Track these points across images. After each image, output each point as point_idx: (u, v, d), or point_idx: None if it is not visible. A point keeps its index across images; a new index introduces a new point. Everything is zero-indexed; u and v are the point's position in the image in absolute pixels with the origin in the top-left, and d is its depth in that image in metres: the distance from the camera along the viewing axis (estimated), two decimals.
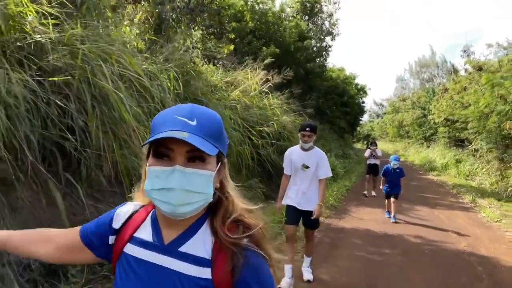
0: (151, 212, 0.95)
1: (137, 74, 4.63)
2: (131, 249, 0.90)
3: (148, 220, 0.93)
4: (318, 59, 16.79)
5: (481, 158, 15.76)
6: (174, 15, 7.19)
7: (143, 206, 0.98)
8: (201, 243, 0.87)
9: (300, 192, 3.72)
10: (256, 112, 8.46)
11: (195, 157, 0.81)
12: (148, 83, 4.80)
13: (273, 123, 8.15)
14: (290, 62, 12.77)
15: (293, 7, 15.84)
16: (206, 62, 8.18)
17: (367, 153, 10.21)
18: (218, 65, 8.63)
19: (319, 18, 18.97)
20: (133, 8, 6.70)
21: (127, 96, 4.34)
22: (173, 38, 7.17)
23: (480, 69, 14.01)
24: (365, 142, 45.05)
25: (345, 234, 5.93)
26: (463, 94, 15.77)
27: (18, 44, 3.74)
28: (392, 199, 7.07)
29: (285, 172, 3.88)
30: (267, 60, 9.34)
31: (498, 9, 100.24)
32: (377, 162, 9.93)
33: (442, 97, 20.82)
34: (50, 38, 3.93)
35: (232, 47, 8.95)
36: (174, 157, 0.81)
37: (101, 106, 4.00)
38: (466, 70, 16.75)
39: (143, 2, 6.83)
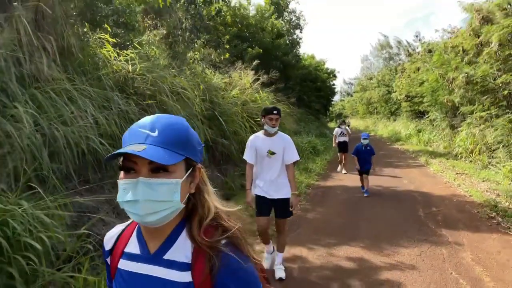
0: (137, 226, 0.98)
1: (183, 88, 6.70)
2: (123, 264, 0.94)
3: (134, 233, 0.97)
4: (292, 52, 19.01)
5: (437, 127, 18.51)
6: (185, 35, 9.17)
7: (132, 221, 1.01)
8: (181, 249, 0.89)
9: (267, 180, 3.54)
10: (251, 106, 10.60)
11: (158, 168, 0.83)
12: (189, 93, 6.88)
13: None
14: (270, 58, 14.92)
15: (266, 9, 17.87)
16: (208, 68, 10.21)
17: (336, 131, 10.87)
18: (216, 70, 10.67)
19: (286, 14, 21.13)
20: (154, 33, 8.65)
21: (175, 105, 6.44)
22: (185, 53, 9.19)
23: (429, 51, 16.64)
24: (337, 121, 48.13)
25: (331, 189, 8.29)
26: (418, 74, 18.44)
27: (113, 76, 5.74)
28: (364, 175, 7.47)
29: (247, 160, 3.64)
30: (255, 62, 11.40)
31: None
32: (346, 139, 10.57)
33: (402, 75, 23.56)
34: (129, 71, 5.97)
35: (227, 55, 10.99)
36: (138, 170, 0.84)
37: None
38: (418, 52, 19.39)
39: (161, 27, 8.80)
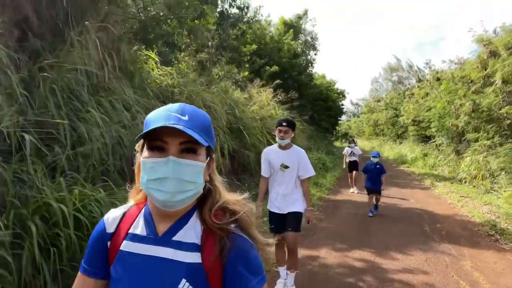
0: (143, 208, 0.99)
1: (213, 102, 7.39)
2: (127, 246, 0.94)
3: (141, 215, 0.98)
4: (306, 71, 19.80)
5: (443, 151, 19.05)
6: (211, 52, 9.93)
7: (134, 205, 1.03)
8: (192, 231, 0.92)
9: (279, 195, 3.49)
10: (269, 121, 11.27)
11: (188, 149, 0.87)
12: (218, 107, 7.55)
13: None
14: (286, 77, 15.66)
15: (282, 30, 18.75)
16: (231, 84, 10.94)
17: (346, 151, 10.79)
18: (237, 86, 11.40)
19: (301, 35, 22.02)
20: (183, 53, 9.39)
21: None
22: (211, 69, 9.93)
23: (438, 79, 17.35)
24: (343, 141, 48.64)
25: (341, 203, 8.85)
26: (426, 100, 19.10)
27: (157, 88, 6.42)
28: (375, 197, 7.29)
29: (262, 173, 3.64)
30: (276, 81, 12.14)
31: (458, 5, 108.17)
32: (357, 159, 10.55)
33: (410, 100, 24.24)
34: (169, 85, 6.66)
35: (247, 73, 11.74)
36: (168, 149, 0.86)
37: None
38: (427, 80, 20.12)
39: (191, 45, 9.56)
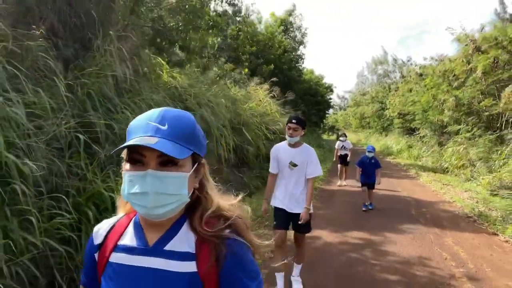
0: (133, 218, 0.97)
1: (216, 101, 7.97)
2: (116, 257, 0.92)
3: (131, 226, 0.95)
4: (296, 67, 20.45)
5: (427, 143, 20.02)
6: (210, 54, 10.48)
7: (124, 215, 1.00)
8: (184, 239, 0.89)
9: (288, 193, 3.44)
10: (266, 117, 11.90)
11: (167, 161, 0.83)
12: (221, 106, 8.14)
13: (279, 123, 11.65)
14: (279, 73, 16.28)
15: (275, 27, 19.31)
16: (230, 83, 11.51)
17: (337, 144, 11.00)
18: (236, 84, 11.97)
19: (291, 31, 22.62)
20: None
21: (209, 116, 7.69)
22: (211, 69, 10.49)
23: (421, 75, 18.25)
24: (330, 134, 49.73)
25: (335, 192, 9.59)
26: (409, 95, 20.02)
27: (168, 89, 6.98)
28: (368, 190, 7.46)
29: (270, 170, 3.59)
30: (272, 79, 12.75)
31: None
32: (348, 152, 10.77)
33: (396, 94, 25.19)
34: (176, 87, 7.21)
35: (246, 70, 12.32)
36: (146, 162, 0.83)
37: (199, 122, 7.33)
38: (410, 76, 21.06)
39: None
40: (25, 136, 3.43)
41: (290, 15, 20.78)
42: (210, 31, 7.98)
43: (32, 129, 3.50)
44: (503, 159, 10.02)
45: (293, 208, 3.43)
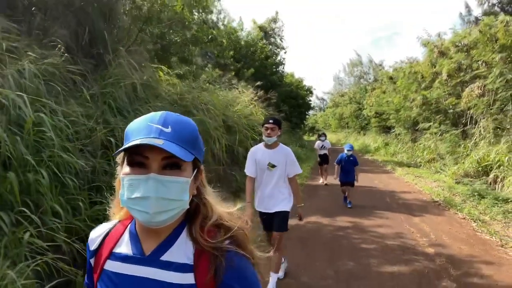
0: (129, 225, 0.94)
1: (210, 104, 8.76)
2: (111, 266, 0.89)
3: (126, 233, 0.92)
4: (277, 72, 21.41)
5: (401, 140, 21.32)
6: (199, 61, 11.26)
7: (119, 221, 0.97)
8: (182, 250, 0.86)
9: (266, 194, 3.48)
10: (251, 118, 12.74)
11: (171, 164, 0.80)
12: (216, 109, 8.92)
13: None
14: (261, 78, 17.17)
15: (256, 34, 20.23)
16: (218, 87, 12.30)
17: (317, 144, 11.29)
18: (223, 88, 12.77)
19: (272, 37, 23.61)
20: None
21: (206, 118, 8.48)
22: (199, 74, 11.26)
23: (391, 78, 19.59)
24: (310, 134, 51.03)
25: (318, 187, 10.51)
26: (383, 96, 21.34)
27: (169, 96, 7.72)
28: (348, 188, 7.55)
29: (248, 173, 3.56)
30: (256, 84, 13.63)
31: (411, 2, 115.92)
32: (327, 152, 11.05)
33: (371, 94, 26.53)
34: (176, 93, 7.97)
35: (233, 73, 13.13)
36: (149, 165, 0.80)
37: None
38: (382, 80, 22.47)
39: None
40: (68, 140, 4.15)
41: (274, 21, 21.75)
42: (209, 43, 8.79)
43: (73, 133, 4.22)
44: (467, 152, 11.20)
45: (271, 208, 3.47)
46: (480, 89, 11.20)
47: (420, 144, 15.89)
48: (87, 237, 1.01)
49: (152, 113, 0.86)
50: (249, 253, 0.89)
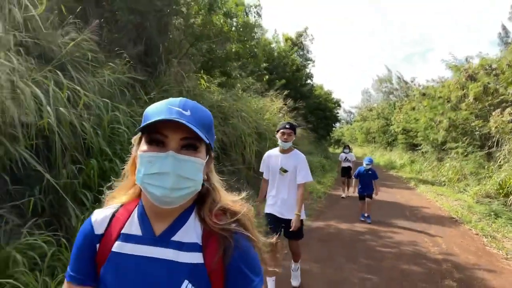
0: (136, 207, 0.95)
1: (245, 111, 9.52)
2: (120, 247, 0.90)
3: (134, 215, 0.94)
4: (307, 85, 22.07)
5: (428, 159, 21.37)
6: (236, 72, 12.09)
7: (121, 206, 0.98)
8: (192, 231, 0.90)
9: (279, 199, 3.48)
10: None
11: (189, 145, 0.85)
12: (250, 116, 9.67)
13: None
14: (291, 88, 17.87)
15: (285, 46, 21.05)
16: (250, 96, 13.07)
17: (340, 156, 11.38)
18: (256, 96, 13.54)
19: (301, 50, 24.35)
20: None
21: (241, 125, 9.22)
22: (235, 83, 12.09)
23: (424, 94, 19.76)
24: (335, 147, 51.06)
25: (340, 196, 11.03)
26: (412, 113, 21.51)
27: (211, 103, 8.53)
28: (366, 200, 7.40)
29: (264, 176, 3.67)
30: (285, 92, 14.34)
31: (446, 17, 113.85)
32: (351, 165, 11.06)
33: (400, 111, 26.65)
34: (217, 100, 8.76)
35: (266, 77, 13.97)
36: (168, 143, 0.83)
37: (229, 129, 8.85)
38: (414, 95, 22.62)
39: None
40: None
41: (301, 35, 22.51)
42: (250, 59, 9.65)
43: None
44: (490, 173, 11.41)
45: (284, 213, 3.47)
46: (511, 115, 11.41)
47: (446, 163, 16.05)
48: None
49: (171, 98, 0.90)
50: (253, 236, 0.93)
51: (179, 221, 0.91)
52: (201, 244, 0.89)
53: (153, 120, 0.82)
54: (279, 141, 3.48)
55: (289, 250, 3.67)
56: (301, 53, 24.37)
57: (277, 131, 3.52)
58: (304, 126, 15.85)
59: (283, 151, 3.53)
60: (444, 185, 14.93)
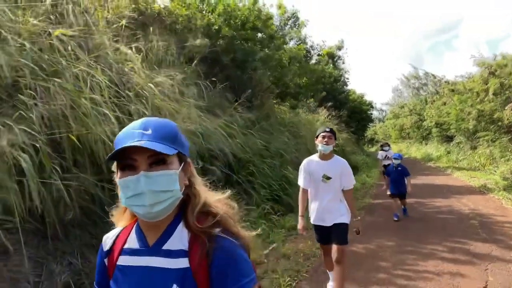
0: (135, 225, 1.06)
1: (306, 125, 12.22)
2: (123, 260, 1.02)
3: (133, 231, 1.05)
4: (344, 92, 24.63)
5: (462, 149, 23.14)
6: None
7: (127, 224, 1.10)
8: (179, 238, 0.98)
9: (323, 207, 3.44)
10: None
11: (157, 161, 0.92)
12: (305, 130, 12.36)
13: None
14: (330, 98, 20.43)
15: (323, 56, 23.73)
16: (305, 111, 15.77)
17: (380, 155, 11.24)
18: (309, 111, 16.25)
19: (337, 61, 26.84)
20: None
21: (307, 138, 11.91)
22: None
23: (452, 90, 21.76)
24: (369, 146, 52.47)
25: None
26: (444, 107, 23.48)
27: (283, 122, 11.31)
28: (399, 201, 7.06)
29: (302, 185, 3.53)
30: (329, 104, 16.99)
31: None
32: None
33: (431, 106, 28.49)
34: (288, 119, 11.53)
35: (313, 100, 16.64)
36: (138, 165, 0.91)
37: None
38: (443, 91, 24.55)
39: None
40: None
41: (339, 49, 25.16)
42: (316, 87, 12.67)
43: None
44: None
45: (329, 221, 3.44)
46: None
47: (478, 151, 18.02)
48: None
49: (134, 121, 0.98)
50: (236, 234, 0.99)
51: (169, 231, 0.99)
52: (187, 249, 0.96)
53: (117, 148, 0.90)
54: (320, 146, 3.41)
55: (334, 261, 3.44)
56: (336, 64, 26.87)
57: (316, 137, 3.47)
58: (347, 130, 18.35)
59: (324, 157, 3.46)
60: (478, 170, 16.91)
